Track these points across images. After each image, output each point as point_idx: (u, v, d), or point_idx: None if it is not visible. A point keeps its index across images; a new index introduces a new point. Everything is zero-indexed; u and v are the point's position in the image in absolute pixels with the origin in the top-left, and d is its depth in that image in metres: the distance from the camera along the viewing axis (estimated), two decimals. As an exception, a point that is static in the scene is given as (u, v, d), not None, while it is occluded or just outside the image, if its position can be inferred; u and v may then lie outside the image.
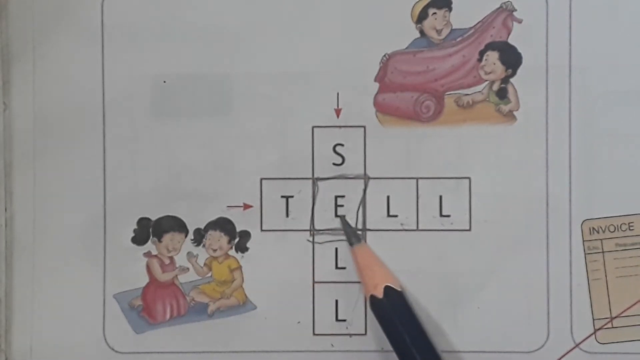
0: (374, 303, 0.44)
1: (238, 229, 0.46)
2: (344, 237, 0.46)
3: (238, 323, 0.46)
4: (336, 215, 0.46)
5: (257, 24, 0.46)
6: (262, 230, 0.46)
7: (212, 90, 0.46)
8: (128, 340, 0.46)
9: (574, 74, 0.45)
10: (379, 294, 0.44)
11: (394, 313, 0.43)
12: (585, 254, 0.45)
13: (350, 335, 0.46)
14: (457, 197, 0.45)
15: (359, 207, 0.46)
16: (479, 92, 0.45)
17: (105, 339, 0.46)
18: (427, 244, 0.46)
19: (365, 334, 0.46)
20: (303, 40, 0.46)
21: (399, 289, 0.44)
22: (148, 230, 0.46)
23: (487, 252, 0.45)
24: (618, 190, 0.45)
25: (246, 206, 0.46)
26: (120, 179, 0.46)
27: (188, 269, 0.47)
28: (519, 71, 0.45)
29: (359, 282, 0.46)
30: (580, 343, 0.45)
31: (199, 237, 0.46)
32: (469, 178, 0.45)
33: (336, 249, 0.46)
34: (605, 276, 0.45)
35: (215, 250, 0.46)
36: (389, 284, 0.44)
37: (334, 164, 0.46)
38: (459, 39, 0.45)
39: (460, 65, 0.45)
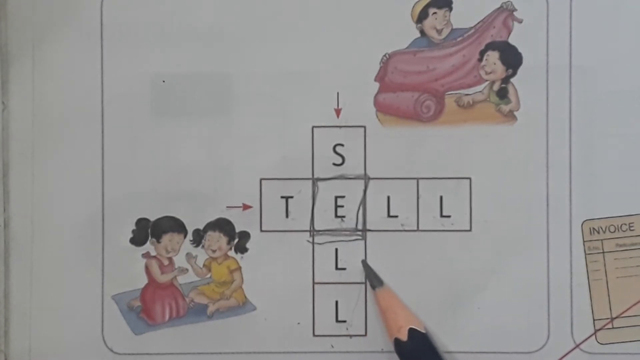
0: (399, 346, 0.43)
1: (237, 230, 0.46)
2: (344, 238, 0.46)
3: (237, 324, 0.46)
4: (336, 216, 0.46)
5: (257, 24, 0.46)
6: (261, 230, 0.46)
7: (212, 90, 0.46)
8: (127, 341, 0.46)
9: (574, 74, 0.45)
10: (403, 336, 0.43)
11: (420, 355, 0.43)
12: (585, 254, 0.45)
13: (351, 336, 0.46)
14: (458, 198, 0.45)
15: (359, 208, 0.46)
16: (480, 92, 0.45)
17: (104, 340, 0.46)
18: (427, 245, 0.45)
19: (366, 334, 0.46)
20: (303, 40, 0.46)
21: (423, 331, 0.44)
22: (147, 231, 0.46)
23: (487, 252, 0.45)
24: (618, 191, 0.45)
25: (245, 207, 0.46)
26: (118, 179, 0.46)
27: (187, 269, 0.46)
28: (520, 71, 0.45)
29: (359, 283, 0.46)
30: (580, 343, 0.45)
31: (198, 237, 0.46)
32: (469, 178, 0.45)
33: (336, 250, 0.46)
34: (606, 276, 0.45)
35: (214, 251, 0.46)
36: (413, 326, 0.44)
37: (334, 164, 0.46)
38: (459, 39, 0.45)
39: (461, 65, 0.45)
